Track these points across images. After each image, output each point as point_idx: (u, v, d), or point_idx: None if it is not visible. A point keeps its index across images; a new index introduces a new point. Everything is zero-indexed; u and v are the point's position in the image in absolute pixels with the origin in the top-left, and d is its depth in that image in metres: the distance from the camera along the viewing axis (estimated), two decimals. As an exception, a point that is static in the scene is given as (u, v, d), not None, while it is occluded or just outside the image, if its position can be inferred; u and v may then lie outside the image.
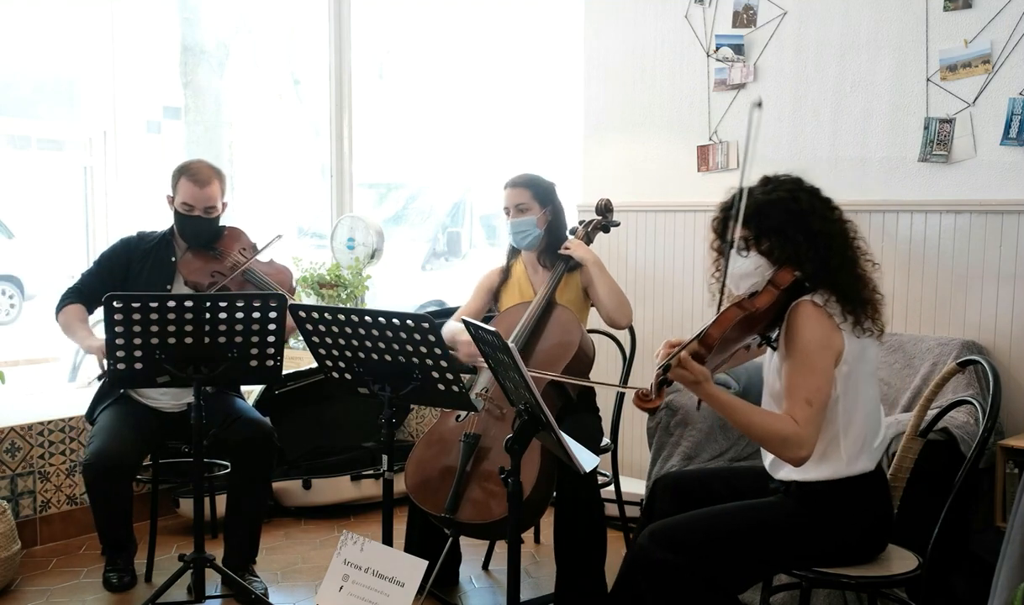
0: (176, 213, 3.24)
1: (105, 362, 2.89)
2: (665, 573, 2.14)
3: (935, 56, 3.38)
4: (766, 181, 2.28)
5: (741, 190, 2.16)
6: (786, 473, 2.27)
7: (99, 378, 3.08)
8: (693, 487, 2.45)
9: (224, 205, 3.30)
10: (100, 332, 2.90)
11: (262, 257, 3.33)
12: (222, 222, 3.33)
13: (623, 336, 3.46)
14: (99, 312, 2.95)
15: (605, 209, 3.34)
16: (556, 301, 3.10)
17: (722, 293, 2.19)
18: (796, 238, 2.18)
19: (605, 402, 3.43)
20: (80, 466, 3.44)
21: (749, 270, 2.22)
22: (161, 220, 3.39)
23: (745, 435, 2.17)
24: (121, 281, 3.20)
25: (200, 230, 3.24)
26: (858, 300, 2.19)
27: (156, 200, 3.46)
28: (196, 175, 3.19)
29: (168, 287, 3.23)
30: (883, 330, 2.24)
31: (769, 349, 2.32)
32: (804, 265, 2.18)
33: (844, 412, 2.19)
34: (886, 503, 2.27)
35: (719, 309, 2.15)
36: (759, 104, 2.12)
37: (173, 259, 3.27)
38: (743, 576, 2.24)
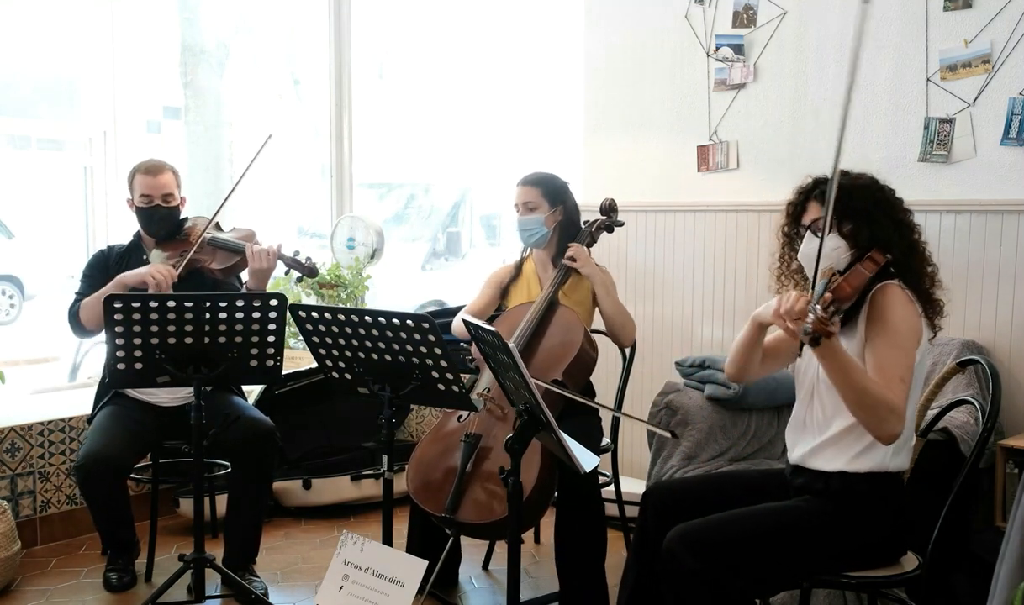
0: (138, 210, 3.31)
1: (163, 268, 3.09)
2: (692, 579, 2.10)
3: (935, 56, 3.38)
4: (845, 173, 2.25)
5: (834, 167, 2.07)
6: (827, 461, 2.22)
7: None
8: (685, 496, 2.40)
9: (183, 199, 3.37)
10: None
11: (225, 227, 3.40)
12: (184, 216, 3.40)
13: (623, 336, 3.46)
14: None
15: (609, 209, 3.32)
16: (559, 301, 3.10)
17: (816, 272, 2.13)
18: (883, 222, 2.18)
19: (604, 401, 3.42)
20: (72, 467, 3.46)
21: (826, 252, 2.18)
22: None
23: (851, 400, 2.06)
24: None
25: (162, 218, 3.30)
26: (929, 297, 2.20)
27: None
28: (148, 168, 3.30)
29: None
30: (936, 333, 2.25)
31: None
32: (892, 249, 2.18)
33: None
34: (908, 506, 2.26)
35: (813, 286, 2.09)
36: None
37: (144, 257, 3.32)
38: (774, 581, 2.22)
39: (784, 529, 2.18)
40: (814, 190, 2.28)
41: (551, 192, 3.19)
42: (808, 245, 2.26)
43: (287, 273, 3.44)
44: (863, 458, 2.18)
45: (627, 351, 3.41)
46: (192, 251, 3.20)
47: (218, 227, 3.38)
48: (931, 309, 2.21)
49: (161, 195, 3.27)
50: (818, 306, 1.94)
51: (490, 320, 3.14)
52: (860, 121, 3.57)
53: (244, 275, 3.28)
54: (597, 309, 3.24)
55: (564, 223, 3.20)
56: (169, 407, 3.24)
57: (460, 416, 2.97)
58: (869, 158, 3.57)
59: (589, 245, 3.23)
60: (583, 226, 3.28)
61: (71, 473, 3.65)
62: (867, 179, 2.26)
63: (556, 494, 2.90)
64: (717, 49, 3.95)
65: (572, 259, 3.10)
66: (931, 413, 2.53)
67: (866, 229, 2.19)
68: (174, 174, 3.34)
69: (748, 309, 3.90)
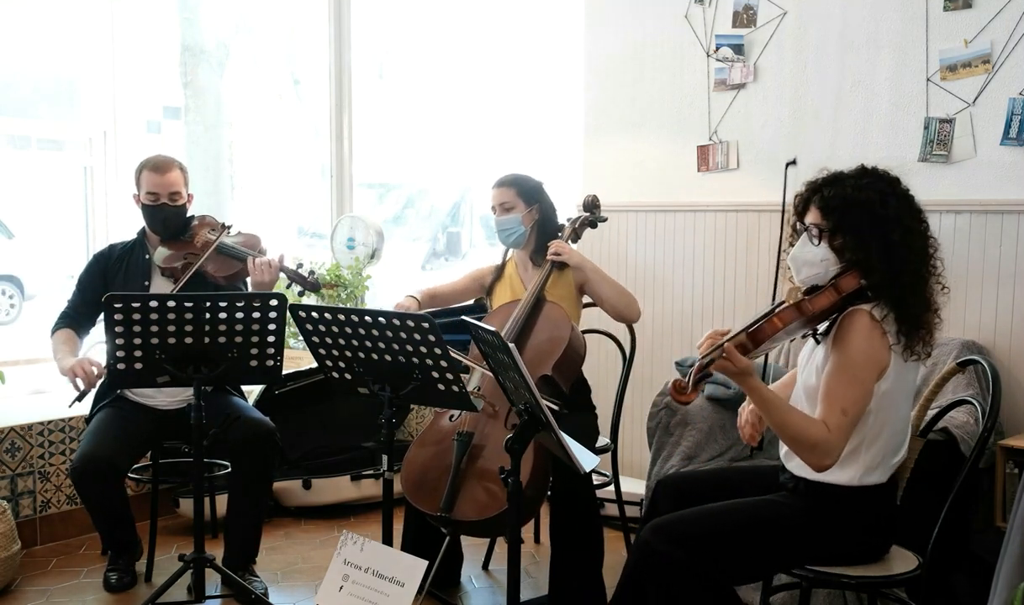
0: (144, 207, 3.30)
1: (79, 382, 3.01)
2: (667, 567, 2.13)
3: (935, 56, 3.38)
4: (863, 173, 2.20)
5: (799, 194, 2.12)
6: (797, 466, 2.25)
7: (77, 400, 3.08)
8: (695, 488, 2.45)
9: (190, 197, 3.35)
10: (92, 352, 2.95)
11: (230, 233, 3.37)
12: (191, 213, 3.37)
13: (623, 336, 3.46)
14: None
15: (592, 205, 3.35)
16: (545, 297, 3.11)
17: (777, 271, 2.16)
18: (871, 245, 2.11)
19: (604, 401, 3.43)
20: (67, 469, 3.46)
21: (814, 260, 2.17)
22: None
23: (777, 434, 2.16)
24: (101, 294, 3.19)
25: (168, 217, 3.28)
26: (916, 323, 2.12)
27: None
28: (156, 165, 3.28)
29: (146, 283, 3.26)
30: (930, 354, 2.19)
31: (811, 341, 2.29)
32: (872, 274, 2.12)
33: (873, 427, 2.17)
34: (890, 512, 2.26)
35: (774, 289, 2.13)
36: (792, 163, 2.12)
37: (147, 256, 3.31)
38: (743, 571, 2.24)
39: (756, 522, 2.21)
40: (816, 193, 2.22)
41: (526, 192, 3.21)
42: (798, 249, 2.23)
43: (288, 287, 3.43)
44: (830, 474, 2.18)
45: (627, 351, 3.41)
46: (198, 264, 3.18)
47: (224, 227, 3.34)
48: (918, 335, 2.13)
49: (168, 193, 3.25)
50: (692, 373, 2.05)
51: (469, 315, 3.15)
52: (860, 121, 3.57)
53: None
54: (584, 303, 3.24)
55: (541, 221, 3.23)
56: (168, 410, 3.24)
57: (452, 416, 2.98)
58: (869, 158, 3.56)
59: (574, 241, 3.27)
60: (566, 223, 3.31)
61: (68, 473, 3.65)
62: (875, 190, 2.15)
63: (550, 493, 2.91)
64: (717, 49, 3.95)
65: (557, 254, 3.12)
66: (931, 413, 2.53)
67: (850, 249, 2.14)
68: (182, 171, 3.31)
69: (748, 309, 3.90)
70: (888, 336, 2.12)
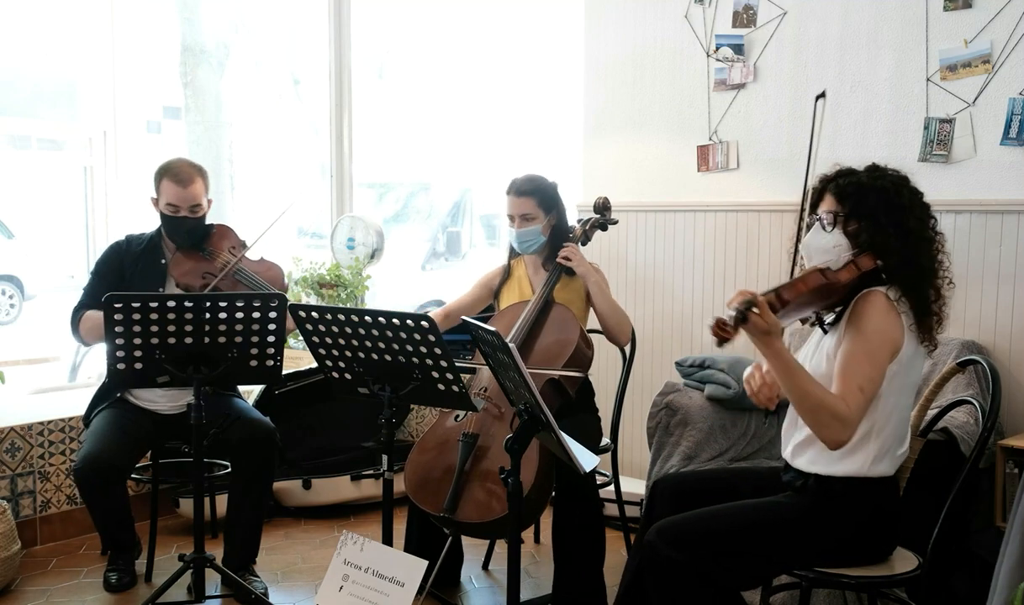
0: (162, 215, 3.20)
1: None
2: (671, 571, 2.13)
3: (935, 56, 3.38)
4: (874, 168, 2.26)
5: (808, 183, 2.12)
6: (807, 462, 2.25)
7: None
8: (694, 488, 2.45)
9: (209, 202, 3.26)
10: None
11: (252, 255, 3.30)
12: (209, 220, 3.30)
13: (623, 336, 3.46)
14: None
15: (603, 207, 3.34)
16: (554, 299, 3.10)
17: (795, 260, 2.17)
18: (887, 229, 2.16)
19: (604, 401, 3.43)
20: (70, 470, 3.44)
21: (827, 246, 2.20)
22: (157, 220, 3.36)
23: (796, 403, 2.12)
24: (119, 285, 3.14)
25: (188, 230, 3.20)
26: (927, 311, 2.17)
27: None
28: (178, 175, 3.15)
29: (160, 290, 3.20)
30: (936, 346, 2.22)
31: (818, 332, 2.30)
32: (888, 257, 2.16)
33: (882, 412, 2.17)
34: (894, 509, 2.26)
35: (792, 275, 2.14)
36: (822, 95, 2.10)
37: (163, 261, 3.25)
38: (748, 574, 2.24)
39: (761, 524, 2.20)
40: (831, 183, 2.26)
41: (545, 200, 3.16)
42: (811, 236, 2.27)
43: None
44: (841, 463, 2.18)
45: (627, 351, 3.41)
46: (216, 280, 3.11)
47: (244, 247, 3.26)
48: (926, 322, 2.17)
49: (189, 206, 3.15)
50: (734, 310, 1.99)
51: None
52: (860, 121, 3.57)
53: None
54: (591, 308, 3.24)
55: (556, 226, 3.21)
56: (169, 415, 3.23)
57: (457, 416, 2.97)
58: (869, 158, 3.56)
59: (584, 244, 3.25)
60: (576, 223, 3.30)
61: (70, 474, 3.65)
62: (889, 181, 2.21)
63: (554, 493, 2.90)
64: (717, 49, 3.95)
65: (567, 258, 3.11)
66: (931, 413, 2.53)
67: (867, 232, 2.18)
68: (203, 179, 3.19)
69: (748, 309, 3.90)
70: (902, 317, 2.15)
